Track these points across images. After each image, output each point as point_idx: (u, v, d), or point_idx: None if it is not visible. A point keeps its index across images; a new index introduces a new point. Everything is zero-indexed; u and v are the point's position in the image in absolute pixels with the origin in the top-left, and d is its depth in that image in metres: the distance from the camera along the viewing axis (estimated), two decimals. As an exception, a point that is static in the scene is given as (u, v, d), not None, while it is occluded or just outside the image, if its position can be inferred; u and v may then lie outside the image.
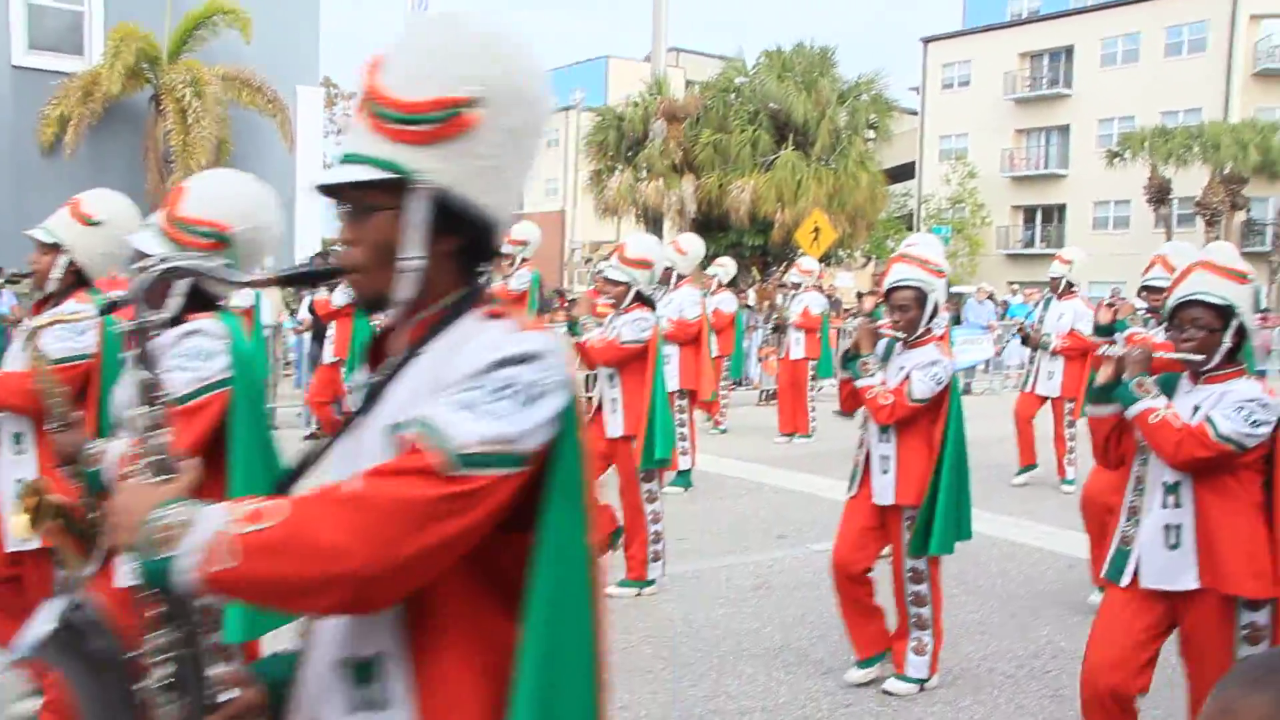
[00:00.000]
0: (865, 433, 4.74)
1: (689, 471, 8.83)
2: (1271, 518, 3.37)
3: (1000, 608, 6.00)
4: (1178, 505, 3.44)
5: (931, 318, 4.63)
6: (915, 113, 46.26)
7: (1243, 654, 3.35)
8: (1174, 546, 3.43)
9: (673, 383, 8.35)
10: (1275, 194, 35.66)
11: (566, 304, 11.29)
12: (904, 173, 45.10)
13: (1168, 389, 3.52)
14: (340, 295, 9.45)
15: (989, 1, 46.00)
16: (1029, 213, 44.17)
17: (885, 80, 30.15)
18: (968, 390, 18.23)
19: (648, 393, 5.90)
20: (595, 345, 5.95)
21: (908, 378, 4.53)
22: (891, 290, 4.60)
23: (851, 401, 4.79)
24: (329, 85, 44.22)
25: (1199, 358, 3.42)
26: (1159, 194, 34.35)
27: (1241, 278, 3.44)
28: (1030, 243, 43.70)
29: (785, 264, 29.34)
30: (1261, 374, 4.76)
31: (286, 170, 18.75)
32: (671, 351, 8.40)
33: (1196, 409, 3.39)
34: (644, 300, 6.08)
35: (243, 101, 17.52)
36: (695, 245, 9.56)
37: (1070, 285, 9.22)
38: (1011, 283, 29.94)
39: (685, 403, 8.44)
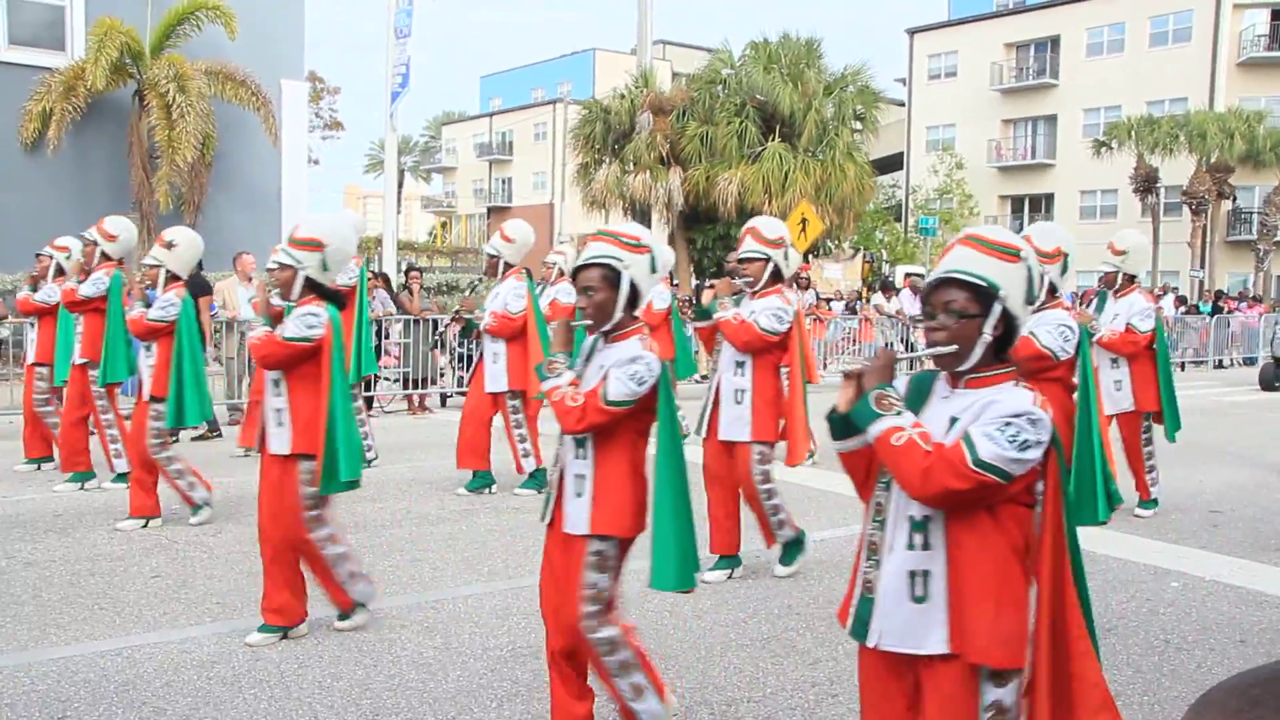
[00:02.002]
0: (560, 447, 3.86)
1: (541, 470, 8.23)
2: (1037, 566, 2.71)
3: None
4: (926, 546, 2.73)
5: (632, 302, 3.79)
6: (902, 104, 46.29)
7: None
8: (920, 599, 2.73)
9: (500, 383, 8.17)
10: (1261, 183, 35.78)
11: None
12: (891, 164, 45.14)
13: (920, 394, 2.86)
14: (89, 286, 7.98)
15: (975, -8, 46.09)
16: (1016, 202, 44.28)
17: (872, 71, 30.07)
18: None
19: (324, 404, 4.89)
20: (256, 342, 4.98)
21: (604, 377, 3.69)
22: (578, 270, 3.78)
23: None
24: (314, 79, 44.10)
25: (951, 349, 2.74)
26: (1145, 183, 34.43)
27: (1011, 255, 2.77)
28: (1018, 232, 43.65)
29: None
30: (1019, 378, 4.73)
31: (271, 164, 18.70)
32: (499, 349, 8.15)
33: (954, 421, 2.72)
34: (321, 292, 5.04)
35: (227, 96, 17.46)
36: (523, 233, 8.48)
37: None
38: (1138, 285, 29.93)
39: (518, 403, 8.21)
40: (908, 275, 21.11)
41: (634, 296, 3.79)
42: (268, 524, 5.05)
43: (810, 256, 23.59)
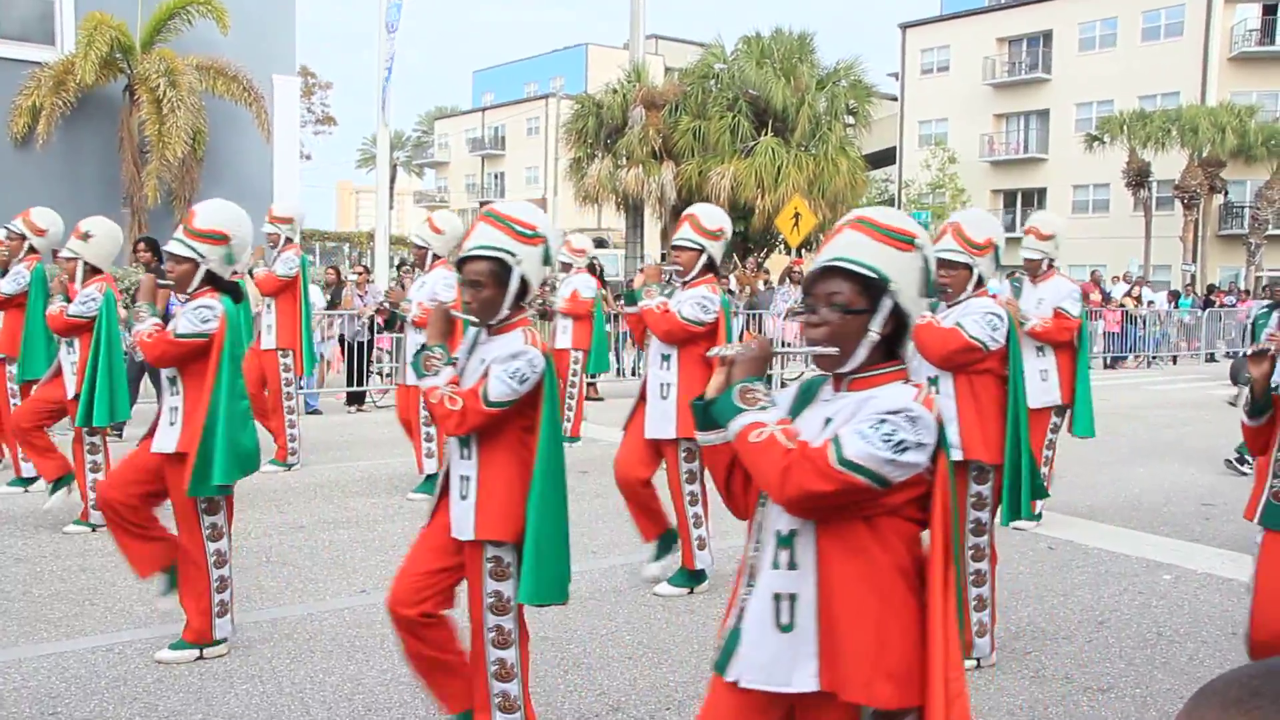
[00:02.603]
0: (447, 446, 3.71)
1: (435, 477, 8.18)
2: (924, 589, 2.33)
3: (981, 590, 6.00)
4: (793, 565, 2.36)
5: (520, 296, 3.51)
6: (895, 98, 46.30)
7: None
8: (786, 627, 2.35)
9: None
10: (1252, 177, 35.84)
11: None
12: (884, 158, 45.17)
13: (806, 400, 2.53)
14: (10, 282, 7.70)
15: (967, -14, 46.12)
16: (1009, 197, 44.32)
17: (864, 66, 30.12)
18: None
19: (208, 401, 4.60)
20: (146, 339, 4.69)
21: (485, 374, 3.44)
22: (464, 260, 3.48)
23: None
24: (306, 74, 44.03)
25: (831, 350, 2.37)
26: (1138, 177, 34.47)
27: (905, 242, 2.42)
28: (1011, 227, 43.77)
29: (766, 250, 29.38)
30: (932, 381, 4.49)
31: (263, 159, 18.64)
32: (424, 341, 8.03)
33: (828, 423, 2.37)
34: (218, 284, 4.77)
35: (218, 91, 17.39)
36: (452, 224, 8.13)
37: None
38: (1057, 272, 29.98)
39: None
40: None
41: (523, 290, 3.52)
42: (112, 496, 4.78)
43: (803, 251, 23.57)
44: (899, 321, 2.41)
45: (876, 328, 2.37)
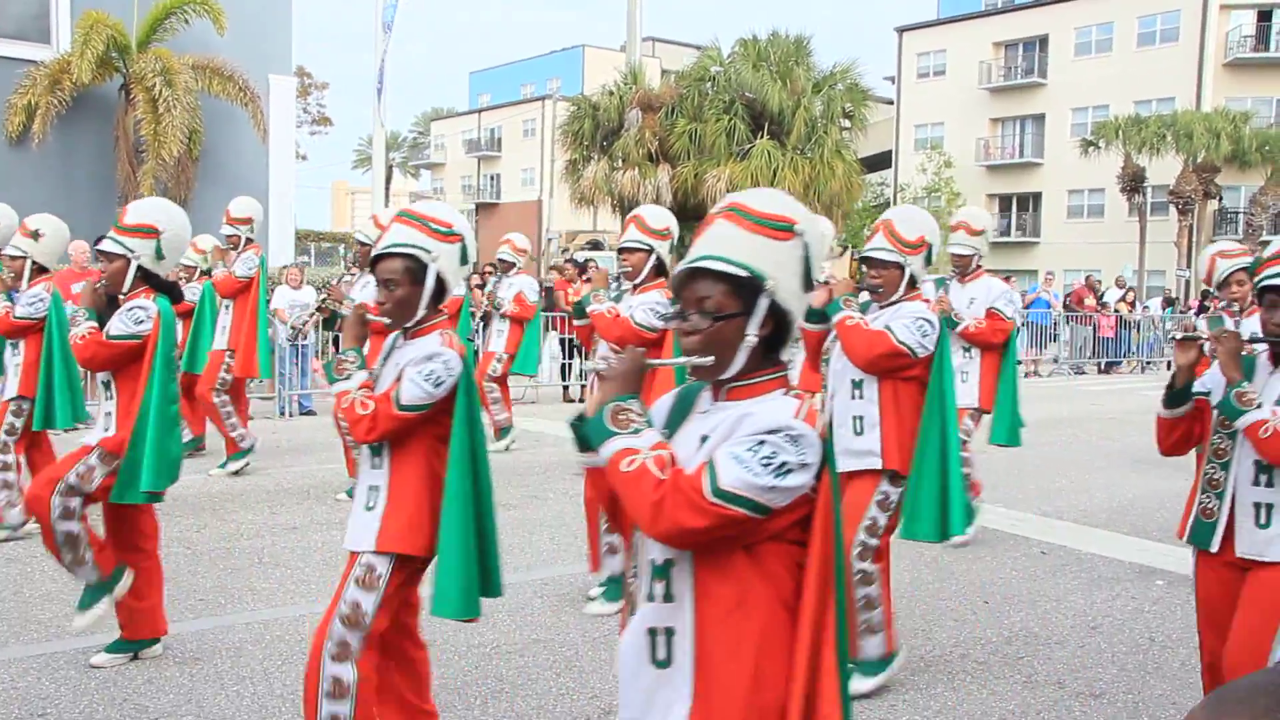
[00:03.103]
0: (357, 455, 3.58)
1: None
2: (797, 622, 2.09)
3: (974, 594, 6.01)
4: (669, 598, 2.15)
5: (438, 297, 3.38)
6: (891, 102, 46.35)
7: None
8: (662, 663, 2.16)
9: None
10: (1247, 183, 35.93)
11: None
12: (880, 162, 45.21)
13: (683, 410, 2.31)
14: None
15: (964, -9, 46.20)
16: (1004, 201, 44.37)
17: (860, 69, 30.18)
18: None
19: (139, 405, 4.46)
20: (78, 342, 4.51)
21: (399, 379, 3.32)
22: (377, 259, 3.35)
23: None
24: (302, 75, 44.00)
25: (706, 361, 2.15)
26: (1133, 182, 34.55)
27: (782, 230, 2.16)
28: (1006, 231, 43.90)
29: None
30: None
31: (259, 159, 18.61)
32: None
33: (704, 441, 2.15)
34: (156, 283, 4.64)
35: (214, 91, 17.36)
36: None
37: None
38: (987, 271, 30.03)
39: None
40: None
41: (440, 290, 3.37)
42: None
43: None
44: (779, 320, 2.18)
45: (754, 330, 2.14)
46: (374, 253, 3.36)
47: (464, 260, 3.42)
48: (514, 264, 10.21)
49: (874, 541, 4.45)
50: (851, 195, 29.08)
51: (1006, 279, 19.25)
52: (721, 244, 2.16)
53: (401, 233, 3.33)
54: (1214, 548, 3.55)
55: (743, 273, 2.12)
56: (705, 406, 2.25)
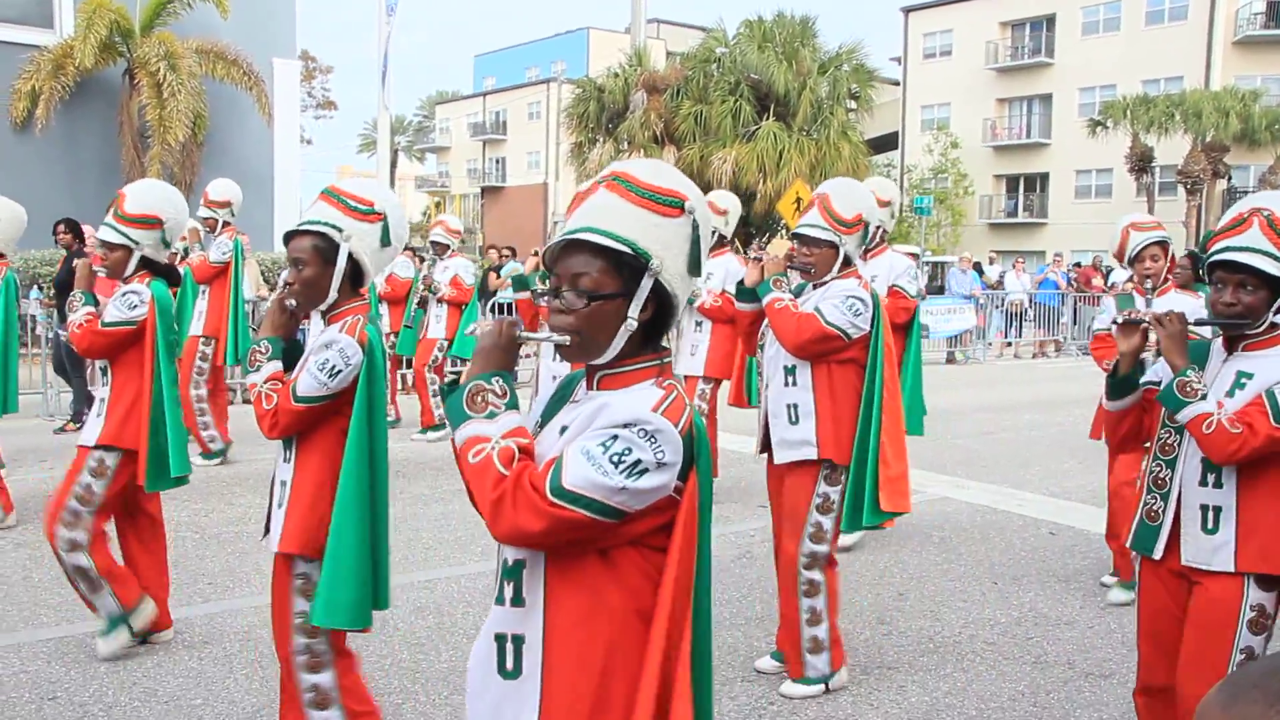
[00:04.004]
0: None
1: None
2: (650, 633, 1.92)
3: (982, 575, 6.00)
4: (518, 602, 1.98)
5: (355, 280, 3.24)
6: (897, 83, 46.14)
7: None
8: (510, 674, 1.97)
9: None
10: (1256, 162, 35.72)
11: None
12: (886, 143, 45.04)
13: (563, 396, 2.14)
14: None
15: (970, -30, 45.92)
16: (1011, 182, 44.19)
17: (866, 50, 30.08)
18: (951, 359, 18.26)
19: (146, 391, 4.39)
20: (75, 331, 4.45)
21: (303, 367, 3.17)
22: (289, 236, 3.20)
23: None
24: (306, 59, 43.91)
25: (564, 339, 1.97)
26: (1141, 162, 34.37)
27: (671, 206, 1.97)
28: (1013, 212, 43.75)
29: (768, 235, 29.33)
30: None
31: (264, 143, 18.61)
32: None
33: (563, 432, 1.98)
34: (155, 268, 4.56)
35: (218, 75, 17.35)
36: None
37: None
38: (994, 252, 29.99)
39: None
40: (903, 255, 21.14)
41: (356, 272, 3.20)
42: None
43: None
44: (661, 304, 1.98)
45: (634, 313, 1.94)
46: (286, 230, 3.23)
47: (385, 241, 3.22)
48: (448, 246, 10.01)
49: (822, 549, 4.24)
50: (858, 177, 28.92)
51: (913, 255, 19.05)
52: (603, 215, 1.95)
53: (317, 210, 3.18)
54: (1158, 554, 3.14)
55: (625, 249, 1.91)
56: (579, 395, 2.06)
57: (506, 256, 17.88)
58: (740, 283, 4.41)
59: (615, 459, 1.81)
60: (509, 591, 1.96)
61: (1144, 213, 5.80)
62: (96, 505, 4.41)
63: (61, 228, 9.89)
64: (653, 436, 1.84)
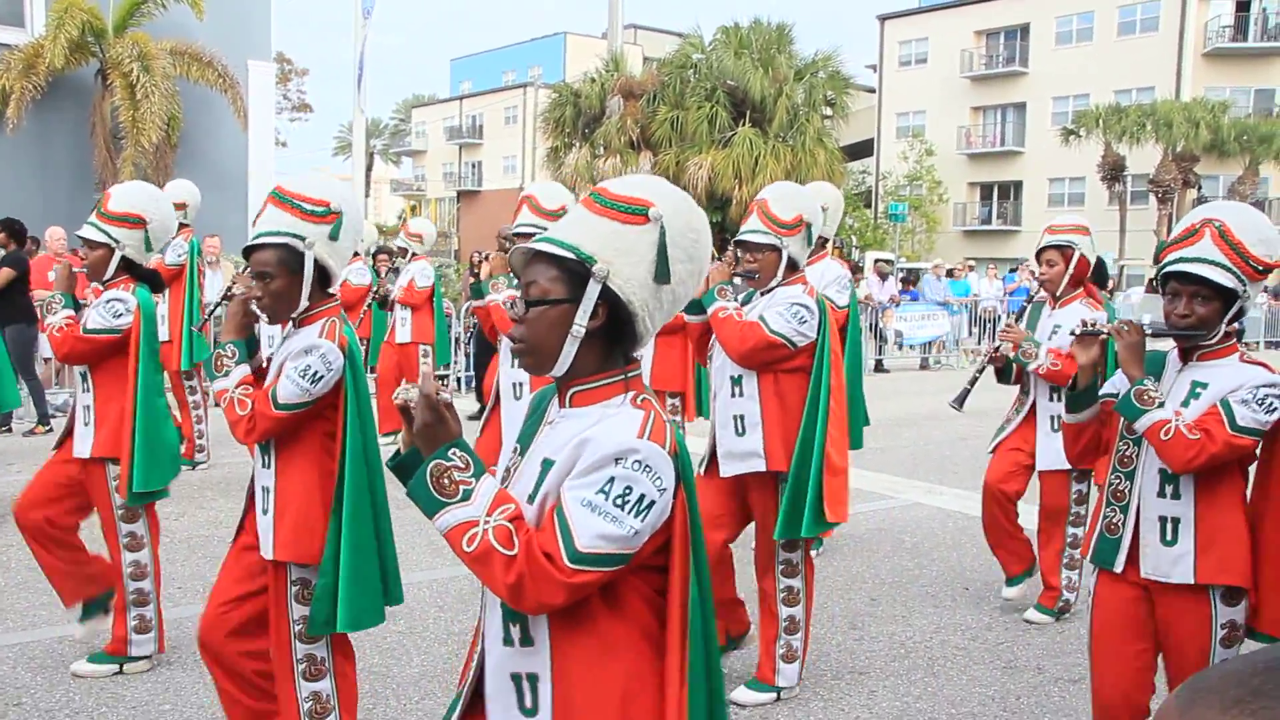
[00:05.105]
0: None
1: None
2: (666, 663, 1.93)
3: (954, 580, 6.03)
4: (526, 641, 1.94)
5: (323, 283, 3.19)
6: (873, 90, 46.36)
7: None
8: (529, 711, 1.96)
9: None
10: (1225, 172, 36.10)
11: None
12: (862, 150, 45.25)
13: (537, 417, 2.11)
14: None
15: (946, -21, 46.25)
16: (985, 189, 44.48)
17: (842, 58, 30.20)
18: (924, 365, 18.36)
19: (130, 401, 4.27)
20: (55, 335, 4.32)
21: (278, 373, 3.13)
22: (249, 250, 3.14)
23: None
24: (282, 61, 43.68)
25: (526, 340, 1.96)
26: (1113, 171, 34.71)
27: (630, 214, 1.94)
28: (987, 219, 44.02)
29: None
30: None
31: (239, 146, 18.49)
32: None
33: (546, 467, 1.94)
34: (137, 272, 4.46)
35: (193, 76, 17.21)
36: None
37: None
38: (968, 259, 30.17)
39: None
40: (876, 261, 21.24)
41: (324, 276, 3.16)
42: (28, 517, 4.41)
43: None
44: (619, 313, 1.93)
45: (581, 321, 1.90)
46: (246, 243, 3.13)
47: (334, 237, 3.12)
48: (408, 250, 9.90)
49: (795, 555, 4.25)
50: (833, 183, 29.06)
51: (888, 262, 18.78)
52: (563, 226, 1.97)
53: (272, 218, 3.09)
54: (1119, 567, 3.12)
55: (569, 255, 1.89)
56: (552, 415, 2.02)
57: (484, 261, 17.75)
58: None
59: (620, 502, 1.80)
60: (515, 633, 1.93)
61: (1071, 218, 5.31)
62: (142, 515, 4.40)
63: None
64: (648, 466, 1.82)
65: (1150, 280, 19.27)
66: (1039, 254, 5.29)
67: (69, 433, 4.45)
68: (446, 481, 1.85)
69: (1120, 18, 40.05)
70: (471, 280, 10.29)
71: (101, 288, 4.35)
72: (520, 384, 5.17)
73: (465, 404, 11.16)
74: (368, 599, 3.09)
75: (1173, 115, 33.13)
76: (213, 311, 5.06)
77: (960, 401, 5.40)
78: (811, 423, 4.08)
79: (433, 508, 1.86)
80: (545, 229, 5.43)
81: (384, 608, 3.19)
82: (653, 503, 1.82)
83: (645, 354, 6.86)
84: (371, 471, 3.15)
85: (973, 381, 5.39)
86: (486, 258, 8.22)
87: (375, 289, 9.92)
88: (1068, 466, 4.86)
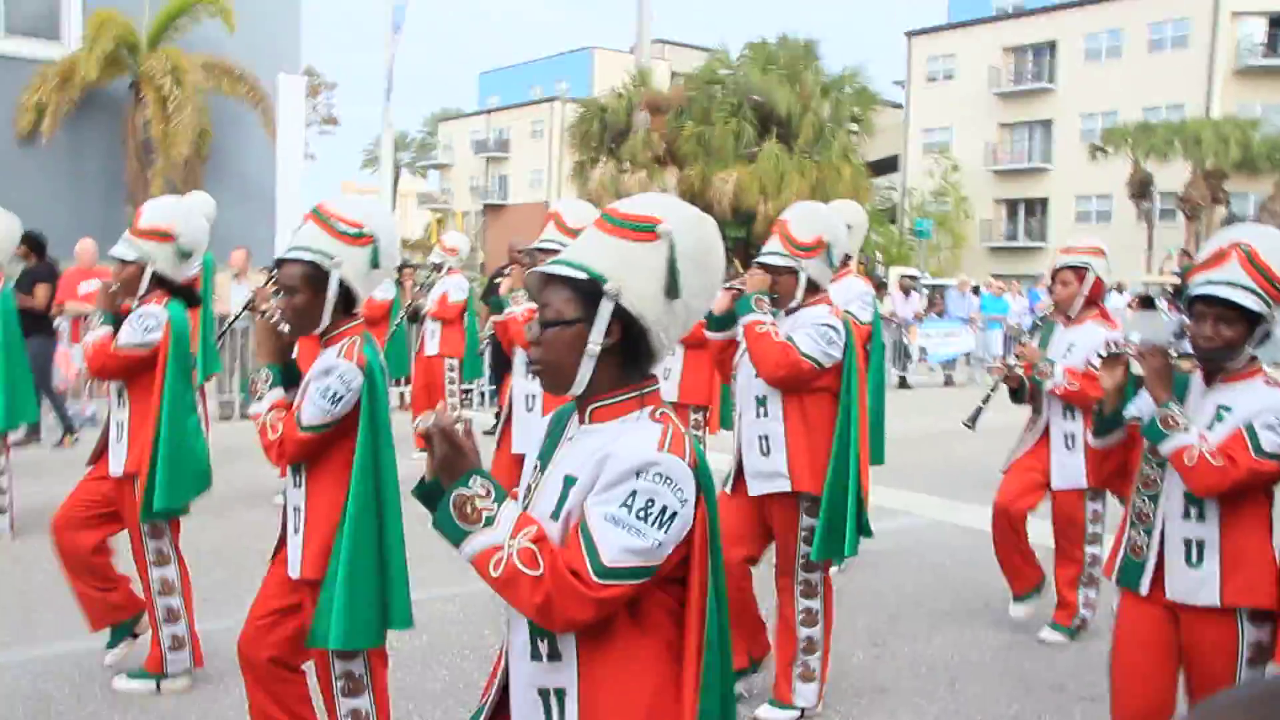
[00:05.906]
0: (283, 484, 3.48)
1: None
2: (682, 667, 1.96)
3: (974, 598, 6.01)
4: (554, 656, 1.97)
5: (347, 304, 3.21)
6: (899, 106, 46.34)
7: None
8: None
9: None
10: (1255, 190, 35.84)
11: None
12: (887, 166, 45.17)
13: (557, 432, 2.15)
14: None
15: (973, -5, 46.21)
16: (1012, 206, 44.33)
17: (869, 73, 30.34)
18: (949, 382, 18.27)
19: (153, 417, 4.27)
20: (89, 351, 4.38)
21: (304, 395, 3.15)
22: (279, 263, 3.19)
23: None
24: (311, 74, 44.05)
25: (538, 367, 2.04)
26: (1141, 189, 34.51)
27: (640, 231, 1.99)
28: (1013, 236, 43.86)
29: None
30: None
31: (268, 159, 18.64)
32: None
33: (568, 485, 1.98)
34: (170, 287, 4.44)
35: (224, 90, 17.39)
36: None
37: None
38: (994, 275, 30.04)
39: None
40: (902, 277, 21.20)
41: (348, 295, 3.17)
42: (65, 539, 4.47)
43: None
44: (633, 329, 1.96)
45: (596, 339, 1.93)
46: (276, 255, 3.18)
47: (374, 264, 3.17)
48: (443, 264, 9.88)
49: (814, 576, 4.24)
50: (859, 199, 29.03)
51: (912, 278, 18.60)
52: (576, 248, 2.02)
53: (306, 235, 3.13)
54: (1143, 590, 3.13)
55: (580, 275, 1.94)
56: (572, 431, 2.06)
57: (508, 275, 17.77)
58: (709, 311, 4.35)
59: (643, 515, 1.84)
60: (544, 648, 1.96)
61: (1087, 240, 5.23)
62: (167, 531, 4.43)
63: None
64: (669, 478, 1.86)
65: (1138, 297, 19.12)
66: (1054, 274, 5.29)
67: (103, 449, 4.49)
68: (469, 510, 1.88)
69: (1150, 34, 39.87)
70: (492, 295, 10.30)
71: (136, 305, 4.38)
72: (533, 396, 5.23)
73: (484, 418, 11.20)
74: (362, 618, 3.08)
75: (1202, 132, 32.96)
76: (230, 325, 5.10)
77: (973, 420, 5.40)
78: (844, 443, 4.10)
79: (458, 536, 1.89)
80: (567, 245, 5.55)
81: (383, 629, 3.18)
82: (675, 514, 1.86)
83: (675, 366, 6.94)
84: (382, 489, 3.16)
85: (986, 400, 5.40)
86: (507, 272, 8.26)
87: (406, 304, 9.96)
88: (1083, 485, 4.87)
